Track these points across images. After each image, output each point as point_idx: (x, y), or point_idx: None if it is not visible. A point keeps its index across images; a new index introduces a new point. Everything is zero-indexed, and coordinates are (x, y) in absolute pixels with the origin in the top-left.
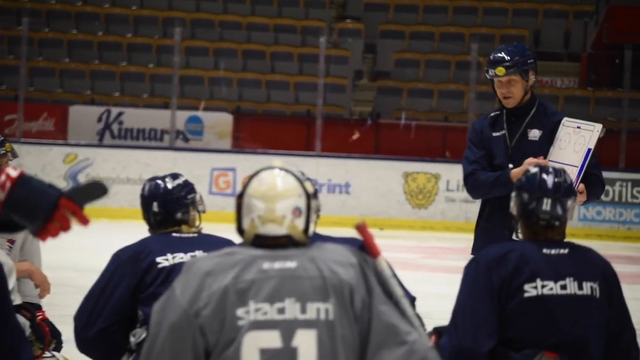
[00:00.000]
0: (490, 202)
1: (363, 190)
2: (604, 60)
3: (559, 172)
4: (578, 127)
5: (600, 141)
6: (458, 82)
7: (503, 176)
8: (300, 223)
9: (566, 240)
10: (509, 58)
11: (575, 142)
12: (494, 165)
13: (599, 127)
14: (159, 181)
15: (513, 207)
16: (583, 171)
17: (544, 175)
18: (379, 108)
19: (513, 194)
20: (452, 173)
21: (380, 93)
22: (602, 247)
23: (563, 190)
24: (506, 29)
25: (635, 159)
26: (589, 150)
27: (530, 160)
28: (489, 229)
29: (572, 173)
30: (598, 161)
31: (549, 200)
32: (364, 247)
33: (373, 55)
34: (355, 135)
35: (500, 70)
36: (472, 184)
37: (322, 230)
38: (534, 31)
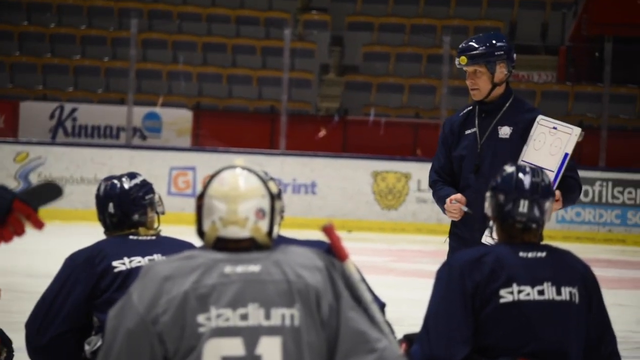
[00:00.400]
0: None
1: (330, 191)
2: (583, 54)
3: (536, 172)
4: (554, 128)
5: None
6: (430, 77)
7: (446, 197)
8: (263, 225)
9: (544, 242)
10: (475, 47)
11: (551, 144)
12: (462, 167)
13: (577, 130)
14: (115, 181)
15: (488, 208)
16: (560, 177)
17: (521, 175)
18: (346, 104)
19: (488, 194)
20: (424, 172)
21: (348, 88)
22: (582, 250)
23: (541, 191)
24: (480, 20)
25: (616, 158)
26: (566, 155)
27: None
28: (459, 234)
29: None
30: (575, 162)
31: (526, 202)
32: (331, 250)
33: (340, 49)
34: (322, 133)
35: (463, 60)
36: (433, 195)
37: (286, 232)
38: (509, 23)
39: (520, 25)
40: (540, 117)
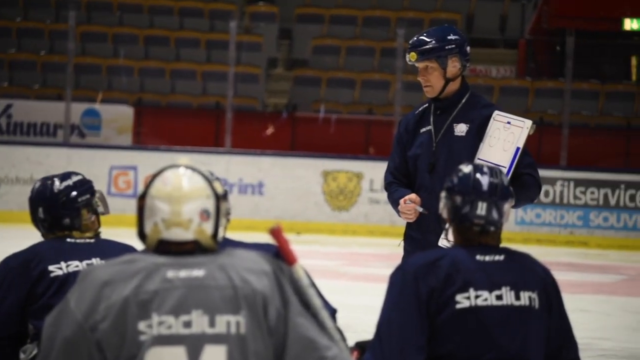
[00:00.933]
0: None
1: (278, 191)
2: (543, 47)
3: (494, 172)
4: (508, 123)
5: (539, 136)
6: (383, 71)
7: (399, 198)
8: (208, 227)
9: (502, 245)
10: (425, 41)
11: (504, 139)
12: (417, 166)
13: (528, 123)
14: (48, 182)
15: (443, 209)
16: (511, 172)
17: (478, 176)
18: (295, 100)
19: (443, 195)
20: (376, 172)
21: (296, 83)
22: (542, 253)
23: (499, 193)
24: (436, 12)
25: (578, 156)
26: (518, 149)
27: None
28: (414, 236)
29: None
30: (533, 159)
31: (484, 204)
32: (279, 254)
33: (289, 42)
34: (269, 130)
35: (413, 56)
36: (387, 198)
37: (232, 235)
38: (466, 15)
39: (478, 18)
40: (496, 112)
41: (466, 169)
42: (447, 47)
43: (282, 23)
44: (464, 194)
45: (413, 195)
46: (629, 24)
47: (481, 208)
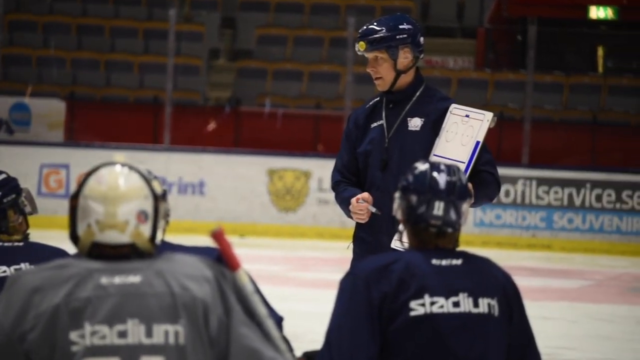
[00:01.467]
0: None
1: (220, 191)
2: (503, 37)
3: (452, 170)
4: (467, 116)
5: (499, 132)
6: (332, 63)
7: (350, 198)
8: (146, 230)
9: (460, 249)
10: (375, 30)
11: (462, 133)
12: (368, 163)
13: (489, 115)
14: None
15: (397, 210)
16: (470, 168)
17: (435, 174)
18: (239, 93)
19: (397, 195)
20: (326, 170)
21: (240, 75)
22: (502, 257)
23: (457, 192)
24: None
25: (540, 153)
26: (478, 143)
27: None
28: (365, 238)
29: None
30: (493, 157)
31: (442, 204)
32: (221, 258)
33: (232, 31)
34: (211, 126)
35: (362, 45)
36: (335, 198)
37: (172, 238)
38: (421, 2)
39: (434, 6)
40: (453, 105)
41: (422, 166)
42: (398, 37)
43: (225, 11)
44: (419, 193)
45: (366, 194)
46: (595, 12)
47: (438, 208)
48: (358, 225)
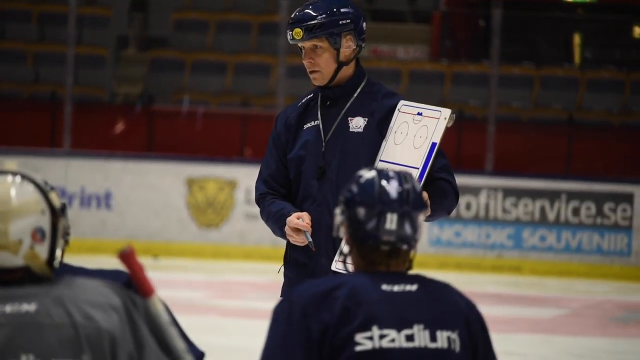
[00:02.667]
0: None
1: (130, 204)
2: (463, 22)
3: (403, 177)
4: (419, 114)
5: (457, 134)
6: (262, 53)
7: (280, 219)
8: (42, 250)
9: (414, 272)
10: (312, 15)
11: (415, 134)
12: (302, 171)
13: (446, 112)
14: None
15: (340, 227)
16: (426, 174)
17: (384, 182)
18: (151, 88)
19: (338, 210)
20: (254, 179)
21: (153, 68)
22: (463, 281)
23: (412, 201)
24: None
25: (507, 159)
26: (434, 145)
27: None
28: (299, 260)
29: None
30: (448, 161)
31: (395, 216)
32: (132, 283)
33: (143, 15)
34: (119, 127)
35: (298, 33)
36: (261, 213)
37: (73, 259)
38: None
39: None
40: (402, 102)
41: (368, 174)
42: (341, 22)
43: None
44: (367, 205)
45: (306, 215)
46: None
47: (391, 221)
48: (291, 245)
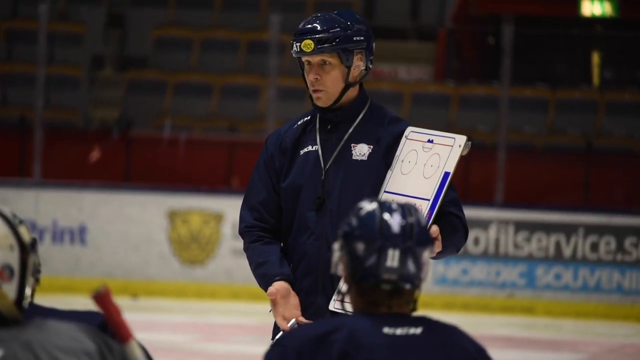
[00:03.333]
0: (291, 249)
1: (106, 238)
2: (471, 40)
3: (407, 210)
4: (430, 142)
5: (465, 163)
6: (251, 74)
7: (264, 279)
8: (11, 290)
9: (419, 313)
10: (323, 28)
11: (425, 163)
12: (299, 201)
13: (461, 139)
14: None
15: (339, 263)
16: (437, 206)
17: (386, 215)
18: (130, 112)
19: (337, 246)
20: None
21: (132, 90)
22: (471, 323)
23: (416, 236)
24: None
25: (518, 190)
26: (447, 175)
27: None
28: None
29: (422, 210)
30: (457, 194)
31: (397, 252)
32: (107, 326)
33: (121, 33)
34: (95, 154)
35: (308, 45)
36: (245, 251)
37: (44, 300)
38: None
39: (382, 0)
40: (410, 129)
41: (368, 206)
42: (355, 38)
43: (112, 7)
44: (367, 240)
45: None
46: (589, 8)
47: (392, 258)
48: None
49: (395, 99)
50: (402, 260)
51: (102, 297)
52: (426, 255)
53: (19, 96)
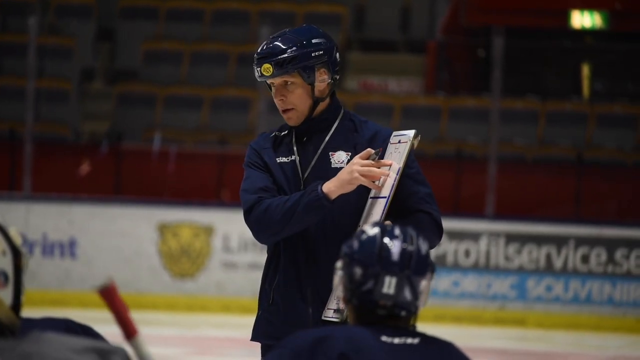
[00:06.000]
0: (283, 261)
1: (97, 252)
2: (461, 53)
3: (408, 236)
4: (399, 142)
5: (455, 175)
6: (241, 86)
7: (311, 194)
8: (6, 296)
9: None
10: (282, 48)
11: (394, 162)
12: None
13: (410, 133)
14: None
15: (338, 284)
16: (388, 202)
17: (387, 240)
18: (120, 126)
19: (339, 265)
20: (233, 224)
21: (121, 103)
22: (462, 336)
23: (414, 264)
24: (313, 4)
25: (510, 201)
26: (398, 170)
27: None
28: (277, 311)
29: (380, 207)
30: (431, 189)
31: (393, 280)
32: (72, 331)
33: (110, 46)
34: (85, 168)
35: (267, 69)
36: (257, 217)
37: (34, 313)
38: (355, 8)
39: (371, 12)
40: (394, 133)
41: (371, 231)
42: (313, 55)
43: (102, 20)
44: (365, 265)
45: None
46: (579, 20)
47: (389, 285)
48: (275, 290)
49: (385, 112)
50: (399, 287)
51: (108, 291)
52: (424, 283)
53: (9, 110)
